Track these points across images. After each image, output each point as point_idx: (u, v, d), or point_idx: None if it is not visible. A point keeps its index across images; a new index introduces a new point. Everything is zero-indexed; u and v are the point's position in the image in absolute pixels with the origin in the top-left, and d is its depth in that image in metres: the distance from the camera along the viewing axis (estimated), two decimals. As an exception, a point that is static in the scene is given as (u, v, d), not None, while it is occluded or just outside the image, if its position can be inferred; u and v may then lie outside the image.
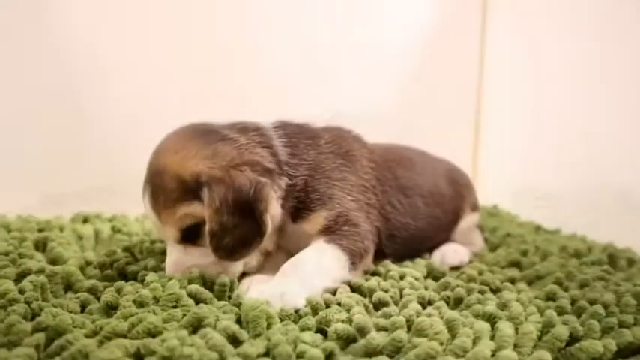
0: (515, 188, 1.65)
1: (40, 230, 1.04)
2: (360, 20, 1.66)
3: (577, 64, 1.54)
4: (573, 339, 0.65)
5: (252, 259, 0.84)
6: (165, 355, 0.52)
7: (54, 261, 0.86)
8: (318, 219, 0.84)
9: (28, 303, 0.66)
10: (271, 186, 0.80)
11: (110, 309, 0.70)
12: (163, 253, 0.93)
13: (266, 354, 0.56)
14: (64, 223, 1.11)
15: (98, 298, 0.74)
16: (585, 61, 1.53)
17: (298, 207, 0.85)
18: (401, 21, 1.71)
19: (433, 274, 0.91)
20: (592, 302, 0.74)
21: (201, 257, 0.79)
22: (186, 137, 0.81)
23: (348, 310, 0.68)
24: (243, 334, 0.60)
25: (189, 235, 0.78)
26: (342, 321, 0.65)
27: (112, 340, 0.57)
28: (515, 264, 0.99)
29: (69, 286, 0.77)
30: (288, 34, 1.58)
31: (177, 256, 0.79)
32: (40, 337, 0.56)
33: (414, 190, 0.99)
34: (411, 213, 0.97)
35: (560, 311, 0.73)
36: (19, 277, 0.76)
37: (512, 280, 0.89)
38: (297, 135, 0.90)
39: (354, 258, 0.81)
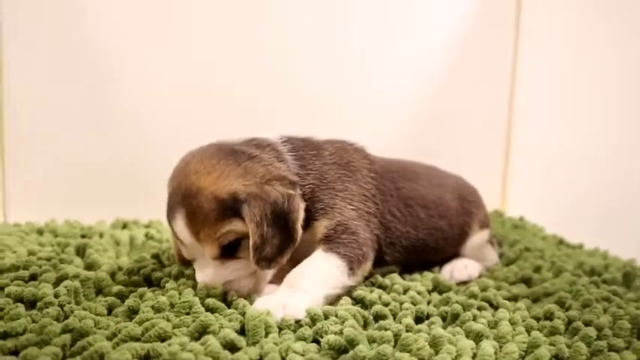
0: (544, 199, 1.63)
1: (83, 236, 1.15)
2: (388, 37, 1.69)
3: (612, 77, 1.51)
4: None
5: (270, 271, 0.89)
6: (168, 358, 0.59)
7: (90, 266, 0.95)
8: (319, 228, 0.89)
9: (61, 306, 0.75)
10: (300, 197, 0.87)
11: (132, 313, 0.78)
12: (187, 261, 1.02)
13: (259, 361, 0.63)
14: (104, 229, 1.22)
15: (124, 303, 0.82)
16: (621, 73, 1.49)
17: (306, 217, 0.90)
18: (430, 34, 1.73)
19: (439, 289, 0.94)
20: (587, 324, 0.75)
21: (236, 270, 0.85)
22: (214, 158, 0.85)
23: (342, 323, 0.73)
24: (241, 341, 0.66)
25: (228, 251, 0.84)
26: (335, 333, 0.70)
27: (127, 342, 0.65)
28: (526, 280, 1.00)
29: (100, 291, 0.87)
30: (311, 55, 1.63)
31: (215, 271, 0.84)
32: (67, 338, 0.65)
33: (415, 200, 1.02)
34: (411, 222, 1.00)
35: (554, 331, 0.74)
36: (58, 282, 0.85)
37: (516, 298, 0.91)
38: (302, 148, 0.96)
39: (352, 264, 0.86)
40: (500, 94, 1.79)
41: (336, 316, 0.76)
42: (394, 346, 0.67)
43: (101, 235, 1.17)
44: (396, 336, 0.69)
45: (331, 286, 0.83)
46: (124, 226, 1.29)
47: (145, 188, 1.53)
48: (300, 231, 0.83)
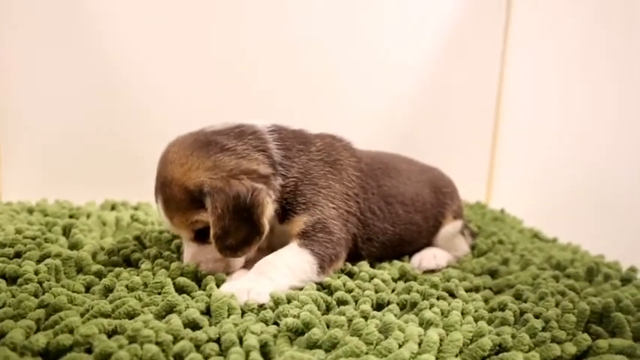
0: (528, 193, 1.66)
1: (71, 216, 1.20)
2: (374, 34, 1.71)
3: (602, 73, 1.52)
4: (503, 349, 0.71)
5: (251, 253, 0.95)
6: (131, 334, 0.63)
7: (74, 246, 1.00)
8: (298, 222, 0.93)
9: (40, 283, 0.80)
10: (267, 191, 0.90)
11: (107, 291, 0.83)
12: (168, 242, 1.06)
13: (217, 340, 0.67)
14: (92, 210, 1.27)
15: (101, 281, 0.87)
16: (611, 69, 1.51)
17: (286, 208, 0.94)
18: (420, 29, 1.74)
19: (405, 277, 0.98)
20: (537, 316, 0.79)
21: (212, 252, 0.90)
22: (188, 149, 0.90)
23: (302, 307, 0.77)
24: (204, 321, 0.71)
25: (201, 236, 0.90)
26: (294, 316, 0.75)
27: (96, 318, 0.69)
28: (492, 272, 1.04)
29: (80, 269, 0.91)
30: (301, 48, 1.65)
31: (194, 252, 0.92)
32: (41, 312, 0.69)
33: (395, 197, 1.05)
34: (390, 219, 1.04)
35: (503, 322, 0.78)
36: (40, 259, 0.90)
37: (478, 289, 0.95)
38: (290, 139, 0.99)
39: (324, 263, 0.90)
40: (489, 88, 1.81)
41: (298, 300, 0.80)
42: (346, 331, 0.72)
43: (88, 216, 1.21)
44: (350, 321, 0.73)
45: (297, 279, 0.88)
46: (113, 208, 1.34)
47: (137, 170, 1.57)
48: (266, 225, 0.87)
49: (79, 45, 1.52)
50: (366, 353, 0.65)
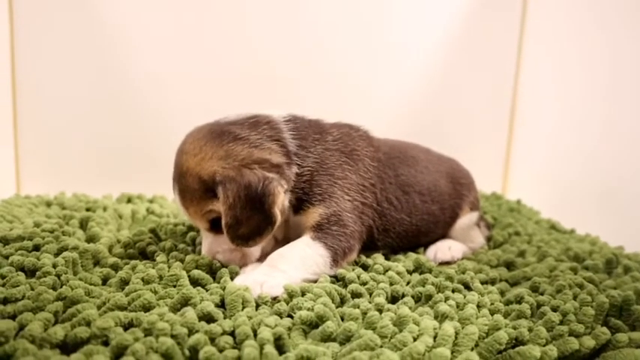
0: (544, 184, 1.63)
1: (88, 209, 1.21)
2: (391, 20, 1.69)
3: (623, 61, 1.48)
4: (519, 343, 0.70)
5: (268, 245, 0.96)
6: (146, 327, 0.64)
7: (91, 239, 1.01)
8: (313, 214, 0.93)
9: (58, 276, 0.81)
10: (279, 181, 0.89)
11: (123, 284, 0.84)
12: (184, 234, 1.07)
13: (231, 333, 0.67)
14: (108, 203, 1.28)
15: (117, 274, 0.88)
16: (634, 58, 1.46)
17: (302, 198, 0.94)
18: (436, 20, 1.72)
19: (420, 270, 0.98)
20: (554, 309, 0.78)
21: (227, 242, 0.90)
22: (202, 140, 0.90)
23: (316, 300, 0.77)
24: (218, 314, 0.71)
25: (216, 226, 0.91)
26: (308, 309, 0.75)
27: (113, 311, 0.70)
28: (508, 264, 1.03)
29: (97, 262, 0.92)
30: (316, 34, 1.64)
31: (210, 242, 0.93)
32: (59, 305, 0.70)
33: (413, 187, 1.04)
34: (407, 209, 1.03)
35: (520, 315, 0.77)
36: (58, 252, 0.91)
37: (494, 281, 0.94)
38: (306, 129, 0.98)
39: (337, 256, 0.90)
40: (505, 78, 1.78)
41: (312, 293, 0.80)
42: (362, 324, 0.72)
43: (105, 209, 1.23)
44: (365, 314, 0.73)
45: (310, 272, 0.88)
46: (129, 201, 1.35)
47: (152, 164, 1.59)
48: (277, 214, 0.87)
49: (97, 50, 1.53)
50: (381, 346, 0.65)
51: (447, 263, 1.03)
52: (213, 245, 0.92)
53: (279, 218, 0.88)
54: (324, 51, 1.66)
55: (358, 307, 0.76)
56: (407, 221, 1.03)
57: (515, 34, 1.74)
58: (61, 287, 0.77)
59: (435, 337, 0.68)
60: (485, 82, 1.77)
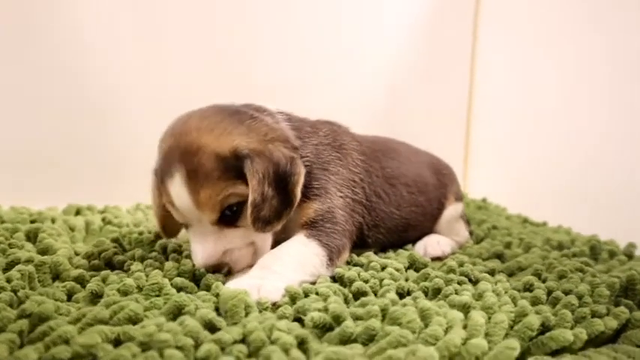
0: (505, 182, 1.66)
1: (32, 221, 1.06)
2: (351, 22, 1.68)
3: (572, 57, 1.55)
4: (546, 328, 0.67)
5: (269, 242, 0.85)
6: (143, 340, 0.54)
7: (44, 251, 0.87)
8: (308, 209, 0.85)
9: (14, 292, 0.68)
10: (301, 161, 0.83)
11: (95, 297, 0.72)
12: (151, 243, 0.95)
13: (242, 341, 0.58)
14: (55, 215, 1.13)
15: (85, 288, 0.76)
16: (575, 61, 1.53)
17: None
18: (393, 20, 1.72)
19: (415, 266, 0.93)
20: (567, 293, 0.76)
21: (235, 239, 0.80)
22: (215, 116, 0.81)
23: (325, 300, 0.70)
24: (220, 322, 0.62)
25: (227, 217, 0.79)
26: (319, 310, 0.67)
27: (93, 326, 0.59)
28: (498, 256, 1.01)
29: (57, 276, 0.79)
30: (282, 37, 1.59)
31: (214, 241, 0.78)
32: (24, 323, 0.58)
33: (398, 179, 1.00)
34: (395, 202, 0.99)
35: (536, 301, 0.74)
36: (8, 267, 0.78)
37: (493, 272, 0.91)
38: (299, 122, 0.93)
39: (332, 255, 0.83)
40: (461, 80, 1.81)
41: (317, 293, 0.73)
42: (382, 321, 0.65)
43: (53, 221, 1.07)
44: (383, 311, 0.67)
45: (308, 274, 0.80)
46: (78, 212, 1.20)
47: (100, 174, 1.45)
48: (299, 196, 0.80)
49: (38, 48, 1.37)
50: (413, 342, 0.58)
51: (438, 259, 1.00)
52: (219, 242, 0.79)
53: (298, 200, 0.80)
54: (287, 52, 1.61)
55: (372, 305, 0.70)
56: (396, 214, 0.99)
57: (469, 35, 1.78)
58: (21, 304, 0.64)
59: (464, 329, 0.63)
60: (441, 86, 1.79)
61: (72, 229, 1.06)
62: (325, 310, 0.67)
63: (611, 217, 1.34)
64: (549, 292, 0.77)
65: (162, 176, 0.79)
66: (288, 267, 0.78)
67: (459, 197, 1.14)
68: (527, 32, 1.64)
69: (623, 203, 1.29)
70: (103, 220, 1.12)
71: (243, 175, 0.76)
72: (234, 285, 0.73)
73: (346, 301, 0.76)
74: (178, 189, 0.76)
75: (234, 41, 1.55)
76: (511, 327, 0.66)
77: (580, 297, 0.73)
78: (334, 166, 0.90)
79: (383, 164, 0.99)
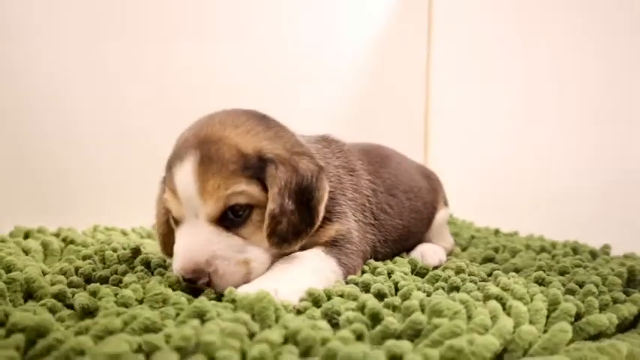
0: (464, 197, 1.70)
1: (-23, 244, 0.91)
2: (311, 23, 1.69)
3: (520, 67, 1.64)
4: (576, 316, 0.66)
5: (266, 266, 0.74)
6: (180, 345, 0.46)
7: (7, 270, 0.74)
8: (329, 230, 0.80)
9: (-11, 309, 0.56)
10: (327, 180, 0.77)
11: (86, 314, 0.61)
12: (130, 259, 0.85)
13: (284, 342, 0.51)
14: (4, 237, 0.98)
15: (67, 306, 0.65)
16: (529, 65, 1.62)
17: None
18: (352, 22, 1.76)
19: (417, 271, 0.90)
20: (580, 285, 0.76)
21: (228, 249, 0.69)
22: (242, 116, 0.75)
23: (354, 300, 0.65)
24: (254, 325, 0.54)
25: (228, 219, 0.69)
26: (352, 309, 0.62)
27: (108, 337, 0.49)
28: (490, 259, 1.01)
29: (29, 295, 0.67)
30: (246, 42, 1.56)
31: (203, 242, 0.68)
32: (19, 338, 0.47)
33: (397, 187, 0.98)
34: (399, 212, 0.96)
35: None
36: (-29, 285, 0.65)
37: (491, 274, 0.90)
38: (319, 142, 0.88)
39: (347, 275, 0.78)
40: (417, 94, 1.87)
41: (341, 295, 0.68)
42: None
43: (3, 241, 0.93)
44: (422, 304, 0.63)
45: (322, 284, 0.73)
46: (27, 236, 1.05)
47: (44, 197, 1.30)
48: (321, 214, 0.73)
49: None
50: (466, 332, 0.55)
51: (435, 268, 0.97)
52: (209, 246, 0.68)
53: (320, 220, 0.73)
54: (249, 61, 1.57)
55: (394, 306, 0.66)
56: (400, 225, 0.96)
57: (424, 39, 1.85)
58: (6, 318, 0.53)
59: (508, 316, 0.60)
60: (398, 94, 1.84)
61: (26, 252, 0.92)
62: (359, 309, 0.62)
63: (569, 222, 1.40)
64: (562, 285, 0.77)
65: (170, 165, 0.72)
66: (304, 273, 0.72)
67: (447, 202, 1.14)
68: (482, 39, 1.73)
69: (575, 208, 1.37)
70: (64, 240, 0.99)
71: (262, 180, 0.70)
72: (249, 288, 0.66)
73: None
74: (185, 173, 0.69)
75: (194, 52, 1.50)
76: (550, 315, 0.64)
77: (597, 285, 0.74)
78: (351, 192, 0.87)
79: (383, 176, 0.97)
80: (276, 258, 0.75)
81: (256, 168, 0.70)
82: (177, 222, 0.74)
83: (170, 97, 1.46)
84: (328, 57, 1.71)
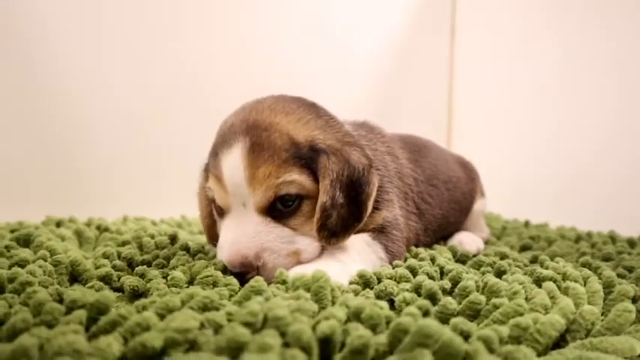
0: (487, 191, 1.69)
1: (13, 231, 0.90)
2: (334, 23, 1.68)
3: (548, 53, 1.62)
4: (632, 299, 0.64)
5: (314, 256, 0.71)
6: (250, 320, 0.45)
7: (51, 254, 0.73)
8: (377, 218, 0.78)
9: (44, 287, 0.56)
10: (375, 174, 0.74)
11: (135, 296, 0.61)
12: (166, 246, 0.84)
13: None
14: (36, 224, 0.97)
15: (113, 289, 0.64)
16: (559, 50, 1.60)
17: None
18: (374, 23, 1.75)
19: (457, 258, 0.89)
20: (629, 270, 0.75)
21: (277, 241, 0.66)
22: (292, 103, 0.73)
23: (408, 281, 0.64)
24: (313, 304, 0.53)
25: (276, 209, 0.67)
26: (407, 290, 0.61)
27: (172, 313, 0.48)
28: (528, 248, 0.99)
29: (74, 279, 0.67)
30: (264, 39, 1.55)
31: (252, 234, 0.65)
32: (82, 314, 0.47)
33: (437, 177, 0.97)
34: (439, 203, 0.95)
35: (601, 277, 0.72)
36: (22, 264, 0.64)
37: (536, 259, 0.89)
38: (363, 128, 0.86)
39: (392, 261, 0.77)
40: (440, 83, 1.85)
41: (394, 277, 0.67)
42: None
43: (36, 228, 0.92)
44: (477, 285, 0.62)
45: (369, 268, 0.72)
46: (59, 225, 1.05)
47: (78, 184, 1.30)
48: (369, 209, 0.71)
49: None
50: (528, 312, 0.54)
51: (474, 256, 0.96)
52: (258, 238, 0.65)
53: (368, 214, 0.71)
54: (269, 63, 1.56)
55: (468, 280, 0.64)
56: (440, 215, 0.95)
57: (447, 35, 1.84)
58: (60, 298, 0.52)
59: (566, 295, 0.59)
60: (422, 90, 1.82)
61: (62, 239, 0.91)
62: (413, 290, 0.61)
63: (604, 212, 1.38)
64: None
65: (216, 151, 0.69)
66: (352, 257, 0.71)
67: (483, 193, 1.13)
68: (505, 27, 1.71)
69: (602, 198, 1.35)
70: (98, 228, 0.98)
71: (312, 170, 0.67)
72: (299, 271, 0.64)
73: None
74: (234, 160, 0.66)
75: (219, 41, 1.49)
76: (607, 297, 0.63)
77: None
78: (396, 180, 0.85)
79: (423, 166, 0.95)
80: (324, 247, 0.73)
81: (307, 158, 0.67)
82: (221, 211, 0.72)
83: (193, 88, 1.45)
84: (353, 48, 1.70)
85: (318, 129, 0.70)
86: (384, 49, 1.76)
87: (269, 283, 0.60)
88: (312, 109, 0.74)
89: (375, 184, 0.71)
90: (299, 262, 0.68)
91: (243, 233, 0.65)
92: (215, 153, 0.70)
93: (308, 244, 0.69)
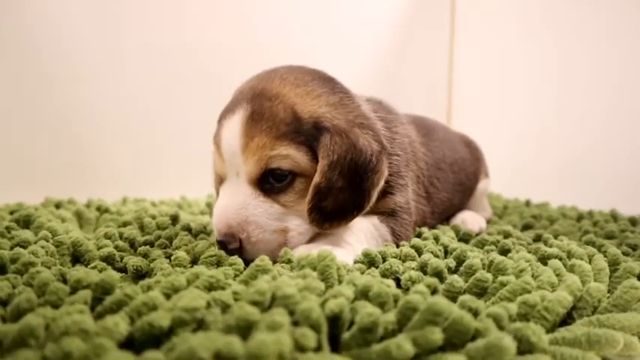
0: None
1: (12, 212, 0.89)
2: (335, 8, 1.65)
3: (538, 55, 1.61)
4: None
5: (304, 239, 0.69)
6: (258, 299, 0.44)
7: (52, 235, 0.73)
8: (389, 202, 0.76)
9: (47, 268, 0.55)
10: (386, 165, 0.71)
11: (139, 276, 0.60)
12: (167, 227, 0.83)
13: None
14: (35, 205, 0.97)
15: (116, 269, 0.64)
16: (553, 41, 1.59)
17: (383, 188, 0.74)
18: (374, 7, 1.72)
19: (460, 237, 0.89)
20: (633, 247, 0.75)
21: (264, 216, 0.65)
22: (307, 75, 0.69)
23: (413, 260, 0.64)
24: (320, 283, 0.53)
25: (267, 182, 0.65)
26: (413, 269, 0.61)
27: (174, 294, 0.48)
28: (530, 227, 0.99)
29: (76, 259, 0.66)
30: (267, 21, 1.53)
31: (239, 204, 0.64)
32: (87, 294, 0.46)
33: (444, 161, 0.95)
34: (445, 186, 0.94)
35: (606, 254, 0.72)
36: (23, 245, 0.64)
37: (539, 237, 0.88)
38: (381, 110, 0.81)
39: (397, 243, 0.76)
40: (440, 68, 1.84)
41: (399, 256, 0.66)
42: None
43: (36, 209, 0.92)
44: (484, 263, 0.61)
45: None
46: (58, 206, 1.04)
47: (79, 167, 1.29)
48: (373, 199, 0.68)
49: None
50: (535, 290, 0.53)
51: (477, 234, 0.96)
52: (244, 210, 0.64)
53: (371, 205, 0.68)
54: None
55: (473, 258, 0.64)
56: (445, 198, 0.94)
57: (447, 30, 1.82)
58: (63, 278, 0.52)
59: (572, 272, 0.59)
60: (422, 68, 1.80)
61: (62, 220, 0.90)
62: (419, 268, 0.61)
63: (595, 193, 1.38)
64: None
65: (220, 117, 0.68)
66: (356, 239, 0.70)
67: (487, 173, 1.12)
68: (509, 4, 1.69)
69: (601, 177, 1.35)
70: (98, 209, 0.98)
71: (313, 148, 0.65)
72: (304, 250, 0.64)
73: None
74: (232, 127, 0.65)
75: (225, 27, 1.47)
76: (613, 274, 0.63)
77: (649, 246, 0.73)
78: (412, 164, 0.83)
79: (432, 149, 0.93)
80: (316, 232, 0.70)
81: (309, 135, 0.64)
82: (220, 180, 0.71)
83: (185, 73, 1.43)
84: (354, 26, 1.67)
85: (328, 105, 0.67)
86: (385, 27, 1.73)
87: (252, 259, 0.58)
88: (328, 83, 0.70)
89: (383, 173, 0.68)
90: (285, 241, 0.66)
91: (231, 202, 0.64)
92: (220, 119, 0.69)
93: (298, 224, 0.67)
